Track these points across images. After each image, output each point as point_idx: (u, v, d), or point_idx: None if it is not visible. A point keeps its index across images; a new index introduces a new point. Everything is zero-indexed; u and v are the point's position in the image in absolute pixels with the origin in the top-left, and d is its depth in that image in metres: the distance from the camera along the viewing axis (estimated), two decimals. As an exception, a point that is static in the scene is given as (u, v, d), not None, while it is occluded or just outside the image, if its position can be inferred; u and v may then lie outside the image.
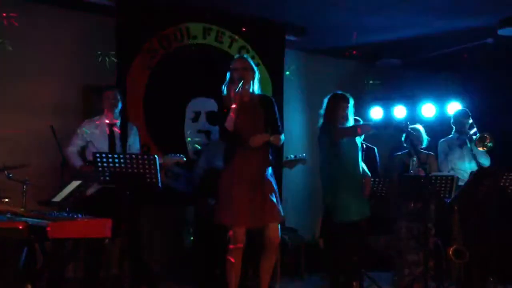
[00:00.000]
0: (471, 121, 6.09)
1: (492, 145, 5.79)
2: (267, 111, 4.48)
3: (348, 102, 5.14)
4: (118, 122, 5.29)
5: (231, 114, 4.29)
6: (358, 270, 5.21)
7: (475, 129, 6.06)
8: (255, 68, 4.59)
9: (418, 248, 5.54)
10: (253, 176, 4.33)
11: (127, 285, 4.97)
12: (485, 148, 5.83)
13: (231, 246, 4.35)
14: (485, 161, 5.97)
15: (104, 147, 5.14)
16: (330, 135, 5.03)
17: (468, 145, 5.93)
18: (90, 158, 5.10)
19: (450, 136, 6.27)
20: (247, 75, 4.44)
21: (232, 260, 4.35)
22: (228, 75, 4.57)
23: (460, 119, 6.13)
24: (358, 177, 5.12)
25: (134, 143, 5.34)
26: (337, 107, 5.13)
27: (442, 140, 6.28)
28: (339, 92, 5.26)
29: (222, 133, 4.45)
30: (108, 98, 5.26)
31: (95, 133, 5.22)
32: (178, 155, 5.29)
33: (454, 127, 6.22)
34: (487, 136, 5.83)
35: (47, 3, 6.13)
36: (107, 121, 5.25)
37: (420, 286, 5.39)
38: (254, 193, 4.30)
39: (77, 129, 5.29)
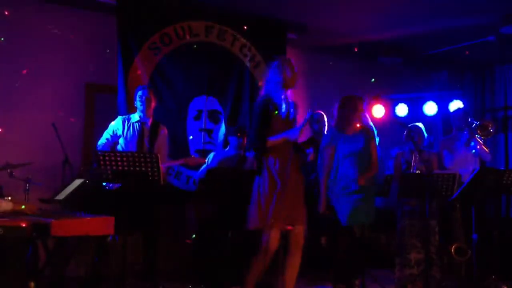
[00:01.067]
0: (470, 119, 6.09)
1: (494, 131, 5.82)
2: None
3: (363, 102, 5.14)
4: (148, 121, 5.31)
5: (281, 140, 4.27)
6: (360, 268, 5.21)
7: (475, 124, 6.06)
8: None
9: (420, 246, 5.53)
10: (295, 181, 4.36)
11: (129, 282, 4.99)
12: (488, 136, 5.85)
13: (266, 249, 4.32)
14: (487, 157, 5.99)
15: (133, 144, 5.19)
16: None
17: (472, 142, 5.92)
18: None
19: (450, 135, 6.27)
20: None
21: (262, 265, 4.34)
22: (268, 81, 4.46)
23: (459, 117, 6.13)
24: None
25: (162, 146, 5.37)
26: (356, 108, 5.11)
27: (442, 139, 6.28)
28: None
29: (255, 143, 4.36)
30: (139, 97, 5.30)
31: (126, 129, 5.28)
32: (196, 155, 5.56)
33: (453, 126, 6.22)
34: (489, 123, 5.85)
35: (49, 2, 6.13)
36: (137, 119, 5.28)
37: (422, 284, 5.40)
38: (294, 196, 4.34)
39: (110, 124, 5.35)
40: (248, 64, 6.72)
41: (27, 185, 5.19)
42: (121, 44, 5.95)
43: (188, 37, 6.37)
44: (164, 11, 6.24)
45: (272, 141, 4.27)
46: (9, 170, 5.02)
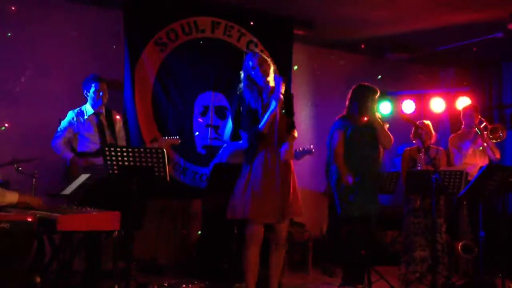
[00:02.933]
0: (479, 116, 6.07)
1: (504, 136, 5.80)
2: (289, 108, 4.41)
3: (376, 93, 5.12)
4: (102, 111, 5.29)
5: (271, 118, 4.18)
6: (365, 265, 5.20)
7: (484, 124, 6.04)
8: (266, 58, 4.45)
9: (425, 244, 5.52)
10: (280, 171, 4.25)
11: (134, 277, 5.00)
12: (498, 140, 5.83)
13: (248, 242, 4.30)
14: (496, 155, 5.96)
15: (93, 138, 5.16)
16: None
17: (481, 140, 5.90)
18: (80, 149, 5.15)
19: (459, 132, 6.24)
20: (268, 70, 4.35)
21: (251, 256, 4.31)
22: (244, 74, 4.41)
23: (469, 113, 6.10)
24: (366, 172, 5.08)
25: (120, 131, 5.36)
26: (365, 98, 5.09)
27: (452, 135, 6.25)
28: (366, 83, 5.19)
29: (255, 136, 4.28)
30: (93, 91, 5.24)
31: (83, 124, 5.23)
32: (173, 137, 5.35)
33: (463, 122, 6.20)
34: (499, 127, 5.83)
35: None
36: (92, 111, 5.24)
37: (428, 281, 5.38)
38: (279, 188, 4.23)
39: (62, 121, 5.27)
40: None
41: (34, 180, 5.20)
42: (127, 40, 5.96)
43: (194, 33, 6.37)
44: (171, 7, 6.24)
45: (264, 125, 4.20)
46: (15, 165, 5.03)
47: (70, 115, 5.27)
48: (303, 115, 7.52)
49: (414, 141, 5.93)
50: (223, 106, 6.49)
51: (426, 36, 7.36)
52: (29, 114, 5.91)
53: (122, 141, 5.30)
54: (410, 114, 7.73)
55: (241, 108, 4.38)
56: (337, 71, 7.87)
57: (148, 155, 4.35)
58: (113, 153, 4.34)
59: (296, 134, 4.43)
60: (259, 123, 4.23)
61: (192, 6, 6.38)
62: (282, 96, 4.20)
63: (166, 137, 5.38)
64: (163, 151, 4.37)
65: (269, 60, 4.39)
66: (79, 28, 6.24)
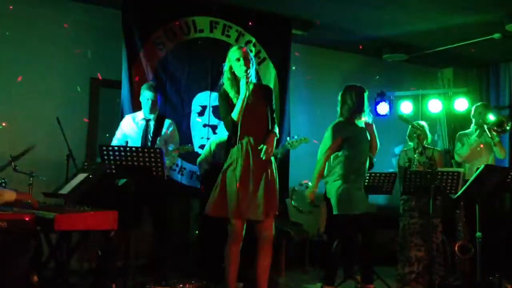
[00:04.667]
0: (491, 115, 6.06)
1: (510, 128, 5.82)
2: (269, 102, 4.38)
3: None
4: (152, 117, 5.33)
5: (240, 105, 4.16)
6: (363, 265, 5.21)
7: (492, 120, 6.02)
8: (252, 56, 4.43)
9: (422, 244, 5.53)
10: (259, 167, 4.22)
11: (132, 277, 5.01)
12: (504, 132, 5.85)
13: (229, 239, 4.28)
14: (501, 154, 5.98)
15: (138, 142, 5.21)
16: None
17: (488, 135, 5.89)
18: None
19: (468, 130, 6.24)
20: (249, 64, 4.30)
21: (231, 253, 4.29)
22: (226, 65, 4.36)
23: (480, 110, 6.10)
24: (363, 172, 5.10)
25: (171, 137, 5.39)
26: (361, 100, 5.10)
27: (461, 132, 6.25)
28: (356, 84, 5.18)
29: (229, 124, 4.26)
30: (146, 99, 5.30)
31: (132, 127, 5.30)
32: (188, 144, 5.47)
33: (473, 120, 6.18)
34: (505, 120, 5.84)
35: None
36: (142, 116, 5.32)
37: (424, 282, 5.39)
38: (257, 185, 4.19)
39: (119, 124, 5.39)
40: (253, 60, 6.69)
41: (31, 179, 5.20)
42: (125, 39, 5.95)
43: (192, 32, 6.37)
44: (169, 6, 6.23)
45: (235, 113, 4.17)
46: (13, 164, 5.02)
47: (125, 118, 5.39)
48: (300, 114, 7.53)
49: (410, 142, 5.94)
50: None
51: (424, 36, 7.37)
52: (27, 114, 5.90)
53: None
54: (408, 114, 7.73)
55: (221, 100, 4.36)
56: (335, 71, 7.88)
57: (146, 155, 4.35)
58: (110, 153, 4.34)
59: (277, 131, 4.37)
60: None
61: (191, 5, 6.38)
62: (250, 85, 4.23)
63: (183, 145, 5.49)
64: (161, 151, 4.38)
65: (253, 58, 4.39)
66: (77, 27, 6.24)
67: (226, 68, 4.36)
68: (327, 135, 5.08)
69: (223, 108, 4.31)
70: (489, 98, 8.54)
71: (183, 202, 6.57)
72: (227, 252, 4.29)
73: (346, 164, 4.97)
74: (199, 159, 6.04)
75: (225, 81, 4.34)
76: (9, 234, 3.08)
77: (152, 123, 5.31)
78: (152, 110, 5.30)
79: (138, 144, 5.20)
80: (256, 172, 4.20)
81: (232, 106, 4.24)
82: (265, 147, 4.20)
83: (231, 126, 4.22)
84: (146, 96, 5.29)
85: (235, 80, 4.30)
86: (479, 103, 6.37)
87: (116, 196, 4.70)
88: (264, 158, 4.20)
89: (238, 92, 4.25)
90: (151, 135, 5.27)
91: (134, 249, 4.89)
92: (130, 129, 5.33)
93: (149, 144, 5.22)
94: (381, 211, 5.43)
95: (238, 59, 4.28)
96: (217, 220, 4.99)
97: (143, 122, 5.32)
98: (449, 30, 7.05)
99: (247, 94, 4.18)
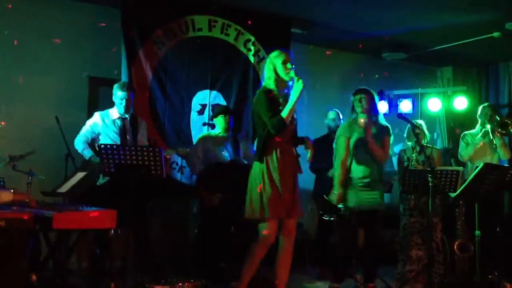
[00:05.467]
0: (495, 114, 6.05)
1: None
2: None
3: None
4: (127, 116, 5.31)
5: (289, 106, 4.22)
6: (364, 264, 5.21)
7: (497, 120, 6.01)
8: None
9: (422, 243, 5.53)
10: (292, 170, 4.33)
11: (131, 277, 5.00)
12: (508, 135, 5.85)
13: (263, 241, 4.27)
14: (505, 155, 5.97)
15: (115, 140, 5.19)
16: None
17: (491, 137, 5.89)
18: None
19: (473, 130, 6.22)
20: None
21: (260, 254, 4.30)
22: (269, 66, 4.35)
23: (486, 111, 6.08)
24: (370, 171, 5.10)
25: (143, 136, 5.38)
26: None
27: (466, 132, 6.24)
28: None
29: (278, 123, 4.20)
30: (120, 98, 5.27)
31: (107, 125, 5.25)
32: (186, 148, 5.61)
33: (479, 120, 6.17)
34: (510, 122, 5.83)
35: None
36: (117, 115, 5.28)
37: (423, 280, 5.39)
38: (293, 186, 4.32)
39: (87, 121, 5.30)
40: (252, 59, 6.71)
41: (30, 178, 5.20)
42: (125, 38, 5.95)
43: (191, 31, 6.37)
44: (168, 5, 6.24)
45: (287, 113, 4.20)
46: (11, 163, 5.02)
47: (96, 115, 5.31)
48: (299, 113, 7.50)
49: (408, 141, 5.92)
50: (220, 104, 6.48)
51: (424, 35, 7.37)
52: (25, 113, 5.90)
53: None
54: (407, 113, 7.73)
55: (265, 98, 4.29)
56: (334, 70, 7.88)
57: (145, 153, 4.35)
58: (109, 152, 4.34)
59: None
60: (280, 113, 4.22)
61: (190, 4, 6.38)
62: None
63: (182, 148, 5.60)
64: (160, 150, 4.38)
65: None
66: (76, 26, 6.23)
67: (269, 68, 4.35)
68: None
69: (269, 106, 4.24)
70: (488, 97, 8.55)
71: (183, 201, 6.56)
72: (256, 253, 4.30)
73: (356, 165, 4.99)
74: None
75: (272, 81, 4.32)
76: (8, 233, 3.07)
77: (128, 122, 5.29)
78: (126, 110, 5.26)
79: (117, 143, 5.18)
80: (290, 173, 4.30)
81: (277, 105, 4.25)
82: (309, 151, 4.38)
83: (281, 125, 4.20)
84: (119, 96, 5.25)
85: (280, 81, 4.32)
86: (486, 104, 6.32)
87: (98, 195, 4.71)
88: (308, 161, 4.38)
89: (278, 94, 4.29)
90: (131, 134, 5.25)
91: (133, 248, 4.89)
92: (104, 126, 5.25)
93: (130, 143, 5.20)
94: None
95: (285, 62, 4.30)
96: (216, 219, 5.02)
97: (120, 121, 5.28)
98: (448, 29, 7.04)
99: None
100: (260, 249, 4.29)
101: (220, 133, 5.88)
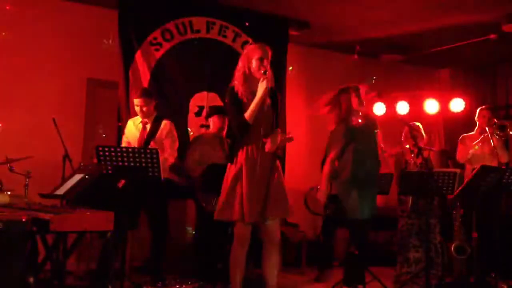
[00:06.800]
0: (493, 117, 6.06)
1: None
2: (276, 105, 4.24)
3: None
4: (149, 119, 5.32)
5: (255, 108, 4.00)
6: (360, 265, 5.22)
7: (495, 123, 6.02)
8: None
9: (419, 245, 5.54)
10: (266, 169, 4.11)
11: (128, 278, 5.00)
12: (506, 136, 5.86)
13: (236, 243, 4.20)
14: (504, 158, 5.98)
15: (135, 144, 5.22)
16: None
17: (490, 140, 5.90)
18: None
19: (472, 132, 6.23)
20: (268, 66, 4.09)
21: (238, 256, 4.22)
22: (243, 62, 4.15)
23: (483, 113, 6.09)
24: (369, 176, 5.06)
25: (165, 138, 5.33)
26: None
27: (464, 135, 6.25)
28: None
29: (239, 125, 4.05)
30: (136, 106, 5.30)
31: (131, 131, 5.32)
32: None
33: (477, 123, 6.18)
34: (507, 124, 5.85)
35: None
36: (140, 120, 5.32)
37: (421, 282, 5.40)
38: (264, 187, 4.09)
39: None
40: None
41: (27, 180, 5.19)
42: (122, 40, 5.95)
43: (189, 33, 6.37)
44: (166, 7, 6.24)
45: (250, 114, 3.98)
46: (9, 165, 5.01)
47: (128, 122, 5.41)
48: (297, 115, 7.53)
49: (406, 143, 5.92)
50: (217, 106, 6.48)
51: (421, 37, 7.38)
52: (22, 114, 5.89)
53: (168, 149, 5.32)
54: (404, 115, 7.74)
55: (231, 97, 4.13)
56: (331, 71, 7.88)
57: (142, 155, 4.35)
58: (107, 153, 4.34)
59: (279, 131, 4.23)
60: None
61: (187, 6, 6.38)
62: (268, 86, 4.02)
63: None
64: (157, 152, 4.38)
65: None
66: (73, 28, 6.23)
67: (243, 60, 4.15)
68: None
69: (233, 107, 4.07)
70: (485, 99, 8.56)
71: (180, 203, 6.56)
72: (234, 256, 4.20)
73: (352, 168, 5.00)
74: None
75: (240, 74, 4.12)
76: (5, 235, 3.07)
77: (148, 126, 5.31)
78: (144, 115, 5.28)
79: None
80: (263, 172, 4.08)
81: (241, 105, 4.06)
82: (269, 140, 4.07)
83: (242, 127, 4.03)
84: (135, 102, 5.30)
85: (249, 78, 4.11)
86: (483, 106, 6.34)
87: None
88: (269, 149, 4.07)
89: (247, 91, 4.08)
90: (149, 137, 5.27)
91: (130, 250, 4.89)
92: (130, 133, 5.34)
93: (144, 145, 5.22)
94: (379, 212, 5.41)
95: (260, 58, 4.08)
96: (213, 220, 4.98)
97: (141, 125, 5.33)
98: (446, 31, 7.06)
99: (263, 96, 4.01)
100: (236, 250, 4.19)
101: (214, 133, 5.89)
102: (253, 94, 4.05)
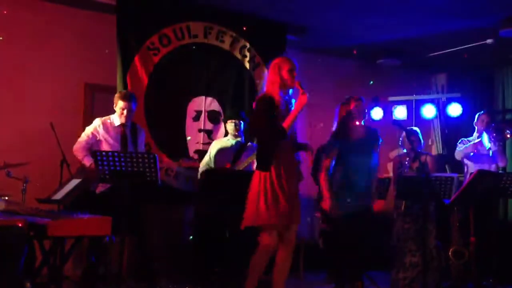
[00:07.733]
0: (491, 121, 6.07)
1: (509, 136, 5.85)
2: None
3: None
4: (128, 124, 5.31)
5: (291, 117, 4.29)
6: (358, 270, 5.21)
7: (492, 126, 6.04)
8: None
9: (416, 249, 5.53)
10: (294, 176, 4.37)
11: (126, 282, 5.00)
12: (503, 140, 5.87)
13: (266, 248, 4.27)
14: (502, 163, 5.99)
15: (116, 148, 5.17)
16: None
17: (489, 145, 5.91)
18: None
19: (471, 137, 6.24)
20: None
21: (264, 263, 4.30)
22: (275, 72, 4.38)
23: (481, 118, 6.10)
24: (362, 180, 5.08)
25: (141, 145, 5.38)
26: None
27: (463, 139, 6.26)
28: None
29: (277, 133, 4.24)
30: (121, 108, 5.25)
31: (108, 132, 5.24)
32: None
33: (476, 128, 6.19)
34: (504, 127, 5.87)
35: (48, 1, 6.14)
36: (118, 122, 5.26)
37: (418, 286, 5.39)
38: (295, 193, 4.36)
39: (87, 127, 5.30)
40: (247, 65, 6.72)
41: (24, 185, 5.19)
42: (120, 44, 5.95)
43: (187, 38, 6.38)
44: (164, 12, 6.24)
45: (289, 124, 4.26)
46: (6, 170, 5.01)
47: (97, 122, 5.28)
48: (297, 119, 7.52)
49: (404, 148, 5.93)
50: (215, 111, 6.50)
51: (418, 42, 7.40)
52: (20, 119, 5.89)
53: None
54: (402, 120, 7.75)
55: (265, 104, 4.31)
56: (329, 76, 7.89)
57: (140, 160, 4.36)
58: (104, 158, 4.34)
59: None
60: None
61: (185, 11, 6.38)
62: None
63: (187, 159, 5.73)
64: (155, 156, 4.39)
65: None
66: (72, 33, 6.24)
67: (274, 72, 4.39)
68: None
69: (269, 114, 4.25)
70: (482, 103, 8.57)
71: (178, 207, 6.56)
72: (260, 263, 4.29)
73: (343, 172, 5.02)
74: (201, 169, 5.96)
75: (276, 86, 4.35)
76: (2, 240, 3.07)
77: (128, 130, 5.29)
78: (126, 119, 5.25)
79: (118, 149, 5.14)
80: (293, 180, 4.34)
81: (277, 113, 4.26)
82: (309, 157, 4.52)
83: (280, 136, 4.25)
84: (120, 106, 5.23)
85: (282, 87, 4.37)
86: (482, 111, 6.36)
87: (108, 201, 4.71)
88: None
89: (282, 99, 4.33)
90: (131, 141, 5.26)
91: (127, 254, 4.89)
92: (105, 133, 5.23)
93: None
94: (377, 216, 5.41)
95: (290, 70, 4.38)
96: (211, 225, 5.01)
97: (120, 129, 5.27)
98: (443, 35, 7.08)
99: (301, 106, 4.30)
100: (262, 259, 4.28)
101: (228, 139, 5.94)
102: (286, 103, 4.37)
